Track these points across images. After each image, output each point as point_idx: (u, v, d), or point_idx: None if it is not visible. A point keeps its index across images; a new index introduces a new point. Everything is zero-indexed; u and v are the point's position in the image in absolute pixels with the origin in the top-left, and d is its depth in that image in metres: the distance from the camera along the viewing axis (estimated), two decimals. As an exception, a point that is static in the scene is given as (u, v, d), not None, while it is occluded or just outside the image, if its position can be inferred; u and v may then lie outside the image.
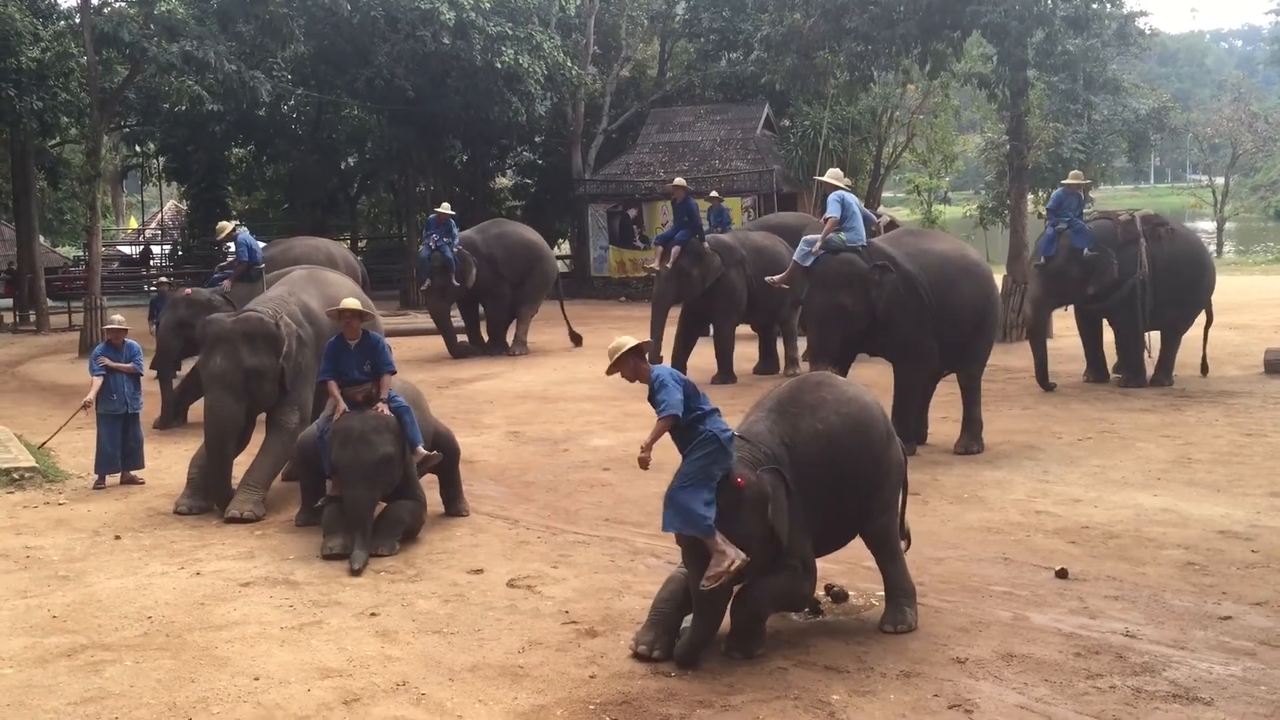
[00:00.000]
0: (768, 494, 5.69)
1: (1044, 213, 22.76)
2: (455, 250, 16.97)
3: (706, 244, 14.58)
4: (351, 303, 8.36)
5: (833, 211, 10.18)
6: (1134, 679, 5.46)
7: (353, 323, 8.20)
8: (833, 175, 11.00)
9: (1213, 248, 37.30)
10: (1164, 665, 5.60)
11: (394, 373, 8.27)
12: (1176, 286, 13.06)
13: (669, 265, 14.46)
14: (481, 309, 17.99)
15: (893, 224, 15.17)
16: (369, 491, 7.68)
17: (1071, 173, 14.74)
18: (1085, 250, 12.80)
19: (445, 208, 17.78)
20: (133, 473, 10.01)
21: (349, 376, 8.13)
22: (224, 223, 15.18)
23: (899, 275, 9.90)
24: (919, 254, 10.17)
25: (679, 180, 15.67)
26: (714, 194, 18.16)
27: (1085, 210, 13.91)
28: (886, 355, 10.45)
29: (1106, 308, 13.15)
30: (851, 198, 10.43)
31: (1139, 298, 12.85)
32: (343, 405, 8.04)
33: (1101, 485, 9.08)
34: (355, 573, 7.24)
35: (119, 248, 37.43)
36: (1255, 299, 20.83)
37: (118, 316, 10.83)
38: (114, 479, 9.92)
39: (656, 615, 5.87)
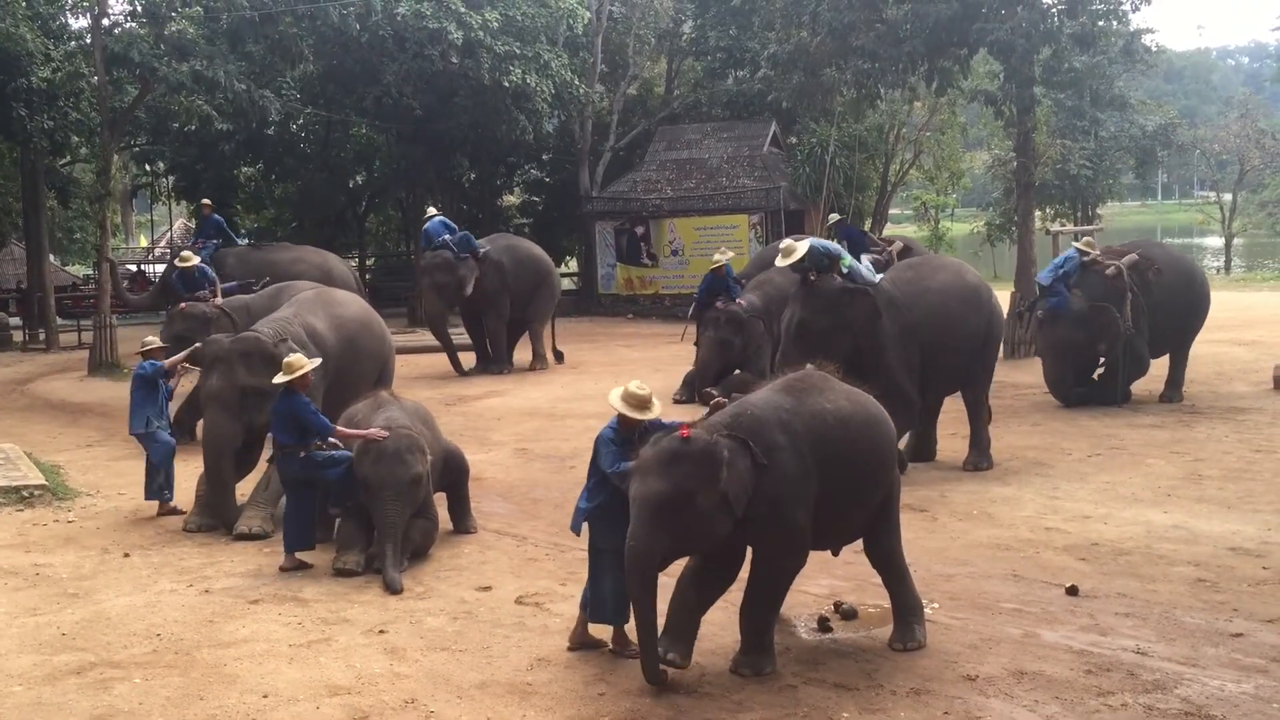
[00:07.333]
0: (720, 457, 5.50)
1: (1050, 229, 22.83)
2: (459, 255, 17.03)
3: (741, 302, 14.15)
4: None
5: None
6: (1145, 696, 5.44)
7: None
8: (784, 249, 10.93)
9: (1220, 263, 37.33)
10: (1175, 683, 5.58)
11: None
12: (1174, 316, 13.12)
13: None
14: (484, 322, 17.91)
15: (907, 250, 14.92)
16: (402, 508, 7.67)
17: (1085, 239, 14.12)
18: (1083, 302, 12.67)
19: (432, 210, 18.24)
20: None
21: None
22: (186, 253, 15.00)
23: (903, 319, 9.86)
24: (920, 295, 10.13)
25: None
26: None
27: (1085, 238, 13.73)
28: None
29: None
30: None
31: (1121, 359, 12.75)
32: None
33: (1111, 502, 9.06)
34: (397, 592, 7.25)
35: (128, 266, 37.50)
36: (1263, 315, 20.77)
37: (151, 337, 10.54)
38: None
39: (673, 624, 5.82)
